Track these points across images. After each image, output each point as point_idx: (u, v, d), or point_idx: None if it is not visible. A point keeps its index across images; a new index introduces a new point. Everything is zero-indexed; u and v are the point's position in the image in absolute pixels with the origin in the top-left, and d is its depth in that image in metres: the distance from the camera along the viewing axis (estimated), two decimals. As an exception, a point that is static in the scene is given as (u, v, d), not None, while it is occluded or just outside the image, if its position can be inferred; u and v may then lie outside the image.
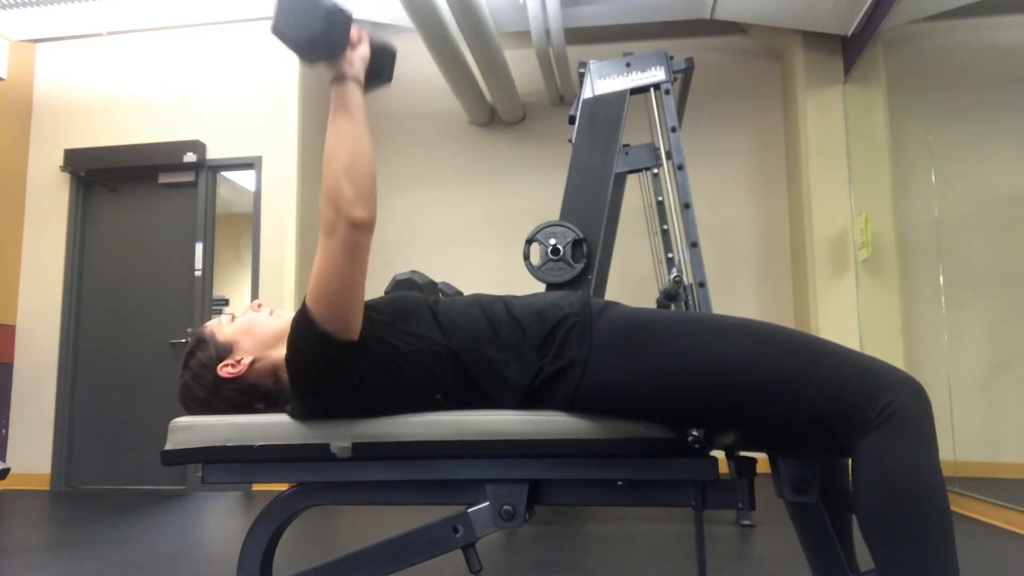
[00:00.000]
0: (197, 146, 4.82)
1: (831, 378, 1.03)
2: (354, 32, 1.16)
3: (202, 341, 1.30)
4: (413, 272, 1.50)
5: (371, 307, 1.21)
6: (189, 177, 4.94)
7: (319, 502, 1.20)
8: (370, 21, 4.89)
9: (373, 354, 1.15)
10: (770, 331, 1.10)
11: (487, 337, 1.16)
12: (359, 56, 1.16)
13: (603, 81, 3.13)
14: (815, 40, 4.58)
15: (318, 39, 1.10)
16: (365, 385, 1.15)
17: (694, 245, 2.98)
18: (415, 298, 1.24)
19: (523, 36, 4.77)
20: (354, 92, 1.13)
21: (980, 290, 3.42)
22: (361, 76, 1.15)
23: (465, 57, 4.57)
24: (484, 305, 1.21)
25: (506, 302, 1.22)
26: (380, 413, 1.17)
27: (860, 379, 1.02)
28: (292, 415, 1.19)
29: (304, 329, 1.11)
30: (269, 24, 1.12)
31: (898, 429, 0.98)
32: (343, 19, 1.11)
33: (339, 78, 1.13)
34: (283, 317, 1.35)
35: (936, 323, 3.59)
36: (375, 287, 1.49)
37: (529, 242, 2.90)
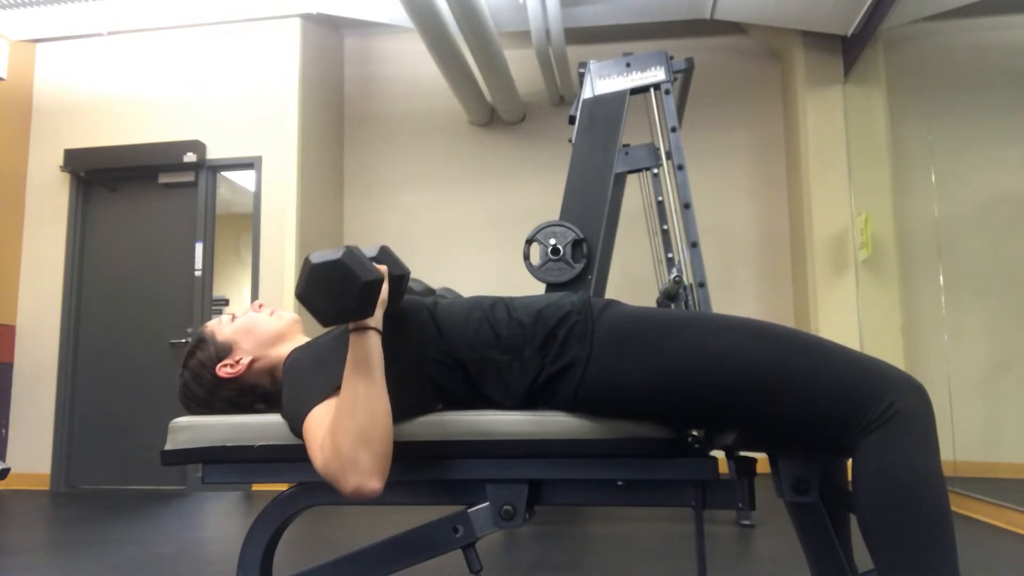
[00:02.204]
0: (197, 146, 4.82)
1: (832, 378, 1.03)
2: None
3: (202, 341, 1.30)
4: (411, 280, 1.50)
5: None
6: (189, 177, 4.94)
7: (319, 502, 1.19)
8: (369, 22, 4.89)
9: None
10: (771, 331, 1.09)
11: (488, 340, 1.16)
12: (381, 306, 1.10)
13: (603, 81, 3.12)
14: (815, 40, 4.58)
15: (349, 313, 1.05)
16: None
17: (694, 245, 2.98)
18: (414, 303, 1.23)
19: (523, 36, 4.77)
20: (374, 344, 1.07)
21: (980, 290, 3.42)
22: (381, 324, 1.10)
23: (465, 57, 4.57)
24: (484, 307, 1.21)
25: (507, 303, 1.22)
26: None
27: (862, 379, 1.02)
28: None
29: (297, 429, 1.11)
30: (296, 289, 1.04)
31: (899, 429, 0.98)
32: (376, 288, 1.05)
33: (360, 336, 1.07)
34: (283, 317, 1.34)
35: (936, 323, 3.59)
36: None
37: (529, 242, 2.90)
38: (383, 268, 1.10)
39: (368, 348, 1.06)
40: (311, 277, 1.03)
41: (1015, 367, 3.18)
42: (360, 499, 1.01)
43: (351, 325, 1.08)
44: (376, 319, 1.09)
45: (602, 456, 1.13)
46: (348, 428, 1.00)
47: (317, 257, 1.03)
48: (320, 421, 1.06)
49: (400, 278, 1.16)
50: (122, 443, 4.77)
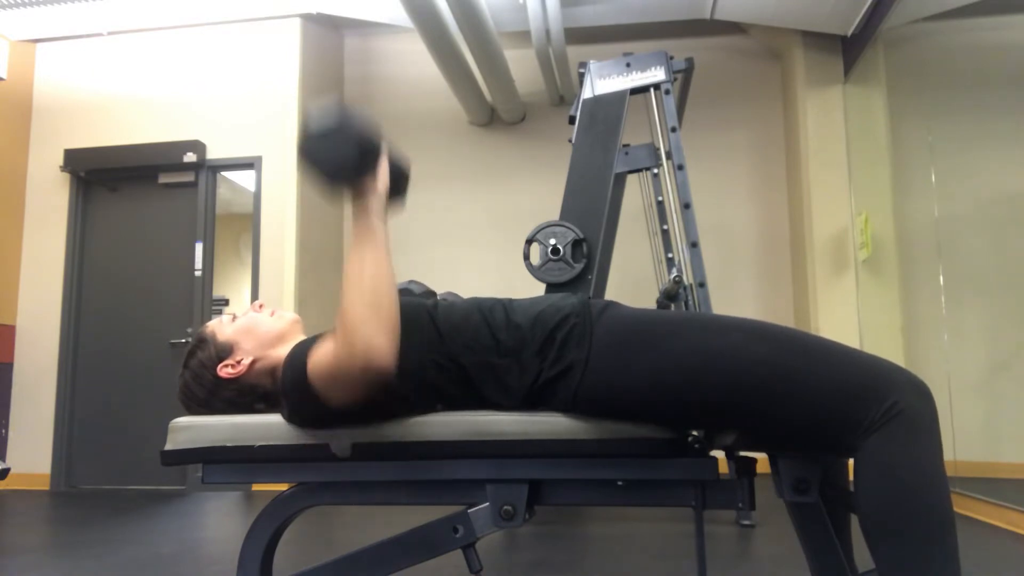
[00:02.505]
0: (197, 146, 4.82)
1: (834, 378, 1.02)
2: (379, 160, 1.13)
3: (203, 341, 1.30)
4: (411, 281, 1.50)
5: None
6: (189, 177, 4.94)
7: (319, 502, 1.19)
8: (369, 22, 4.89)
9: None
10: (772, 331, 1.09)
11: (487, 343, 1.16)
12: (382, 185, 1.13)
13: (603, 81, 3.12)
14: (815, 40, 4.58)
15: (349, 171, 1.06)
16: (365, 407, 1.14)
17: (694, 245, 2.98)
18: (414, 304, 1.23)
19: (523, 36, 4.77)
20: (378, 221, 1.10)
21: (980, 290, 3.42)
22: (384, 207, 1.13)
23: (465, 57, 4.57)
24: (484, 310, 1.21)
25: (506, 306, 1.22)
26: (378, 422, 1.17)
27: (864, 379, 1.02)
28: (289, 422, 1.19)
29: (303, 395, 1.11)
30: (298, 148, 1.07)
31: (902, 429, 0.98)
32: (375, 149, 1.08)
33: (363, 209, 1.10)
34: (284, 318, 1.35)
35: (936, 323, 3.59)
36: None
37: (529, 242, 2.90)
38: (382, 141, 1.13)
39: (371, 222, 1.09)
40: (311, 130, 1.05)
41: (1015, 367, 3.18)
42: (372, 367, 1.01)
43: (353, 200, 1.10)
44: (378, 195, 1.11)
45: (602, 456, 1.13)
46: (355, 297, 1.03)
47: (317, 110, 1.06)
48: (322, 345, 1.08)
49: (400, 171, 1.18)
50: (122, 443, 4.77)
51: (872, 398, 1.00)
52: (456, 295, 1.52)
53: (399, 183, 1.18)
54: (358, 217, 1.10)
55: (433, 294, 1.54)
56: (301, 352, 1.13)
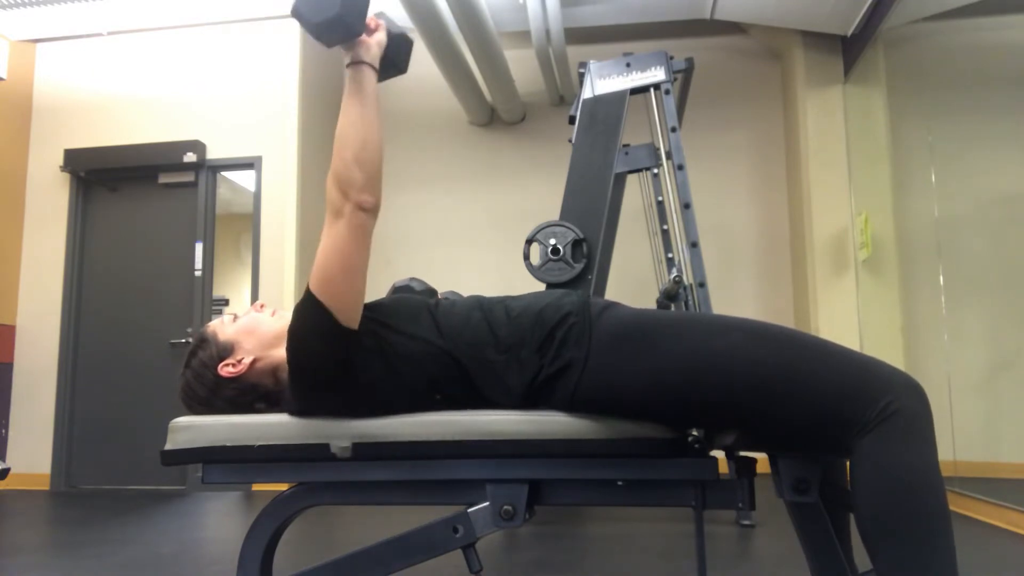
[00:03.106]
0: (197, 146, 4.82)
1: (831, 378, 1.03)
2: (371, 19, 1.17)
3: (204, 340, 1.31)
4: (412, 279, 1.50)
5: (371, 308, 1.21)
6: (189, 177, 4.94)
7: (319, 502, 1.19)
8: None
9: (372, 353, 1.15)
10: (770, 331, 1.09)
11: (486, 340, 1.16)
12: (375, 41, 1.18)
13: (603, 81, 3.12)
14: (815, 40, 4.58)
15: (335, 21, 1.11)
16: (363, 385, 1.15)
17: (694, 245, 2.98)
18: (415, 300, 1.24)
19: (523, 36, 4.77)
20: (369, 77, 1.15)
21: (980, 290, 3.42)
22: (377, 62, 1.17)
23: (465, 57, 4.57)
24: (484, 307, 1.21)
25: (506, 304, 1.22)
26: (379, 413, 1.17)
27: (859, 379, 1.02)
28: (289, 411, 1.19)
29: (307, 308, 1.12)
30: (290, 7, 1.13)
31: (897, 429, 0.98)
32: (359, 4, 1.13)
33: (355, 62, 1.15)
34: (285, 317, 1.35)
35: (936, 323, 3.59)
36: (375, 287, 1.49)
37: (529, 242, 2.90)
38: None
39: (362, 79, 1.14)
40: None
41: (1015, 367, 3.18)
42: (362, 218, 1.10)
43: (346, 58, 1.15)
44: (371, 55, 1.16)
45: (602, 456, 1.13)
46: (344, 155, 1.11)
47: None
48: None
49: (401, 40, 1.23)
50: (122, 443, 4.77)
51: (867, 398, 1.00)
52: (457, 294, 1.52)
53: (400, 49, 1.23)
54: (350, 70, 1.15)
55: (434, 292, 1.54)
56: (306, 290, 1.17)
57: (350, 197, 1.09)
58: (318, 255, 1.12)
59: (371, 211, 1.11)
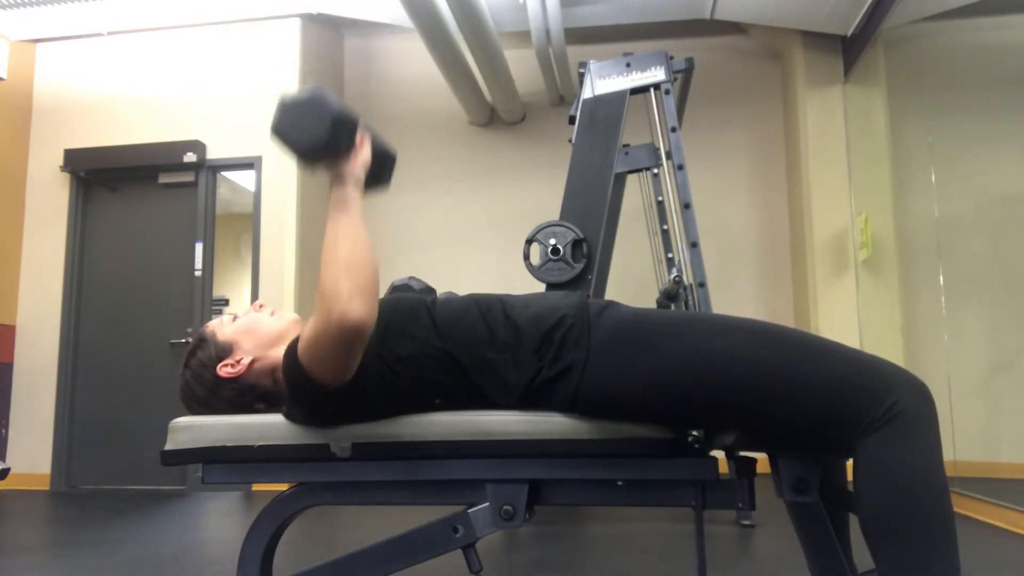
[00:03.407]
0: (197, 146, 4.82)
1: (834, 378, 1.02)
2: (358, 137, 1.14)
3: (203, 341, 1.31)
4: (410, 278, 1.50)
5: None
6: (189, 177, 4.94)
7: (319, 502, 1.19)
8: (370, 22, 4.89)
9: (371, 363, 1.14)
10: (772, 331, 1.09)
11: (484, 338, 1.16)
12: (361, 160, 1.14)
13: (603, 81, 3.12)
14: (815, 40, 4.58)
15: (322, 145, 1.06)
16: (362, 397, 1.14)
17: (694, 245, 2.98)
18: (412, 299, 1.24)
19: (523, 36, 4.77)
20: (354, 195, 1.11)
21: (980, 290, 3.42)
22: (362, 180, 1.13)
23: (465, 57, 4.57)
24: (481, 305, 1.21)
25: (504, 303, 1.22)
26: (379, 418, 1.17)
27: (863, 379, 1.01)
28: (289, 418, 1.19)
29: (297, 378, 1.12)
30: (271, 124, 1.08)
31: (901, 429, 0.98)
32: (349, 124, 1.08)
33: (339, 180, 1.11)
34: (284, 317, 1.35)
35: (936, 323, 3.59)
36: (375, 287, 1.48)
37: (529, 242, 2.90)
38: (358, 118, 1.14)
39: (347, 197, 1.10)
40: (285, 110, 1.07)
41: (1015, 367, 3.18)
42: (346, 329, 1.02)
43: (330, 177, 1.11)
44: (356, 175, 1.12)
45: (602, 456, 1.13)
46: (332, 264, 1.04)
47: (291, 92, 1.09)
48: (308, 325, 1.09)
49: (385, 155, 1.19)
50: (122, 443, 4.77)
51: (871, 398, 1.00)
52: (454, 294, 1.52)
53: (384, 165, 1.19)
54: (333, 187, 1.11)
55: (432, 291, 1.54)
56: (295, 339, 1.15)
57: (336, 311, 1.01)
58: (307, 338, 1.07)
59: (359, 326, 1.02)
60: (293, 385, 1.14)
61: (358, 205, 1.11)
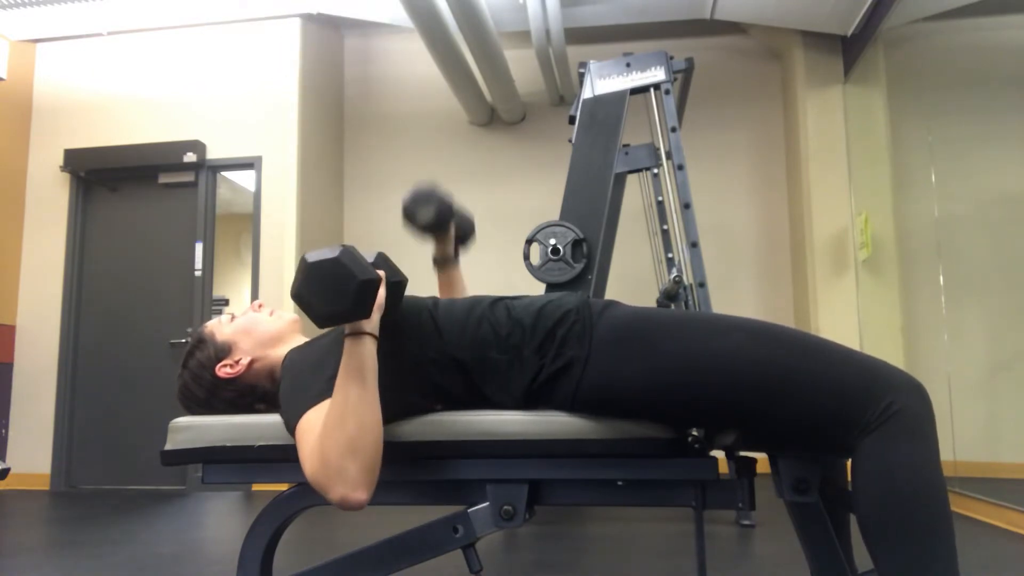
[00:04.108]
0: (197, 146, 4.82)
1: (832, 378, 1.03)
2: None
3: (201, 341, 1.30)
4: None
5: None
6: (189, 177, 4.94)
7: (319, 502, 1.19)
8: (369, 22, 4.89)
9: None
10: (771, 331, 1.09)
11: (489, 339, 1.16)
12: (377, 310, 1.08)
13: (603, 81, 3.12)
14: (815, 40, 4.58)
15: (345, 313, 1.03)
16: None
17: (694, 245, 2.98)
18: (413, 302, 1.23)
19: (523, 36, 4.77)
20: (369, 350, 1.06)
21: (980, 290, 3.42)
22: (377, 330, 1.09)
23: (465, 57, 4.57)
24: (484, 307, 1.21)
25: (506, 303, 1.22)
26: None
27: (861, 379, 1.02)
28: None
29: (288, 427, 1.11)
30: (292, 287, 1.03)
31: (899, 430, 0.98)
32: (372, 289, 1.03)
33: (356, 337, 1.06)
34: (283, 318, 1.34)
35: (936, 323, 3.59)
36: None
37: (529, 242, 2.90)
38: (380, 273, 1.08)
39: (362, 355, 1.04)
40: (307, 275, 1.01)
41: (1015, 367, 3.18)
42: (347, 509, 1.00)
43: (347, 329, 1.06)
44: (372, 324, 1.07)
45: (602, 456, 1.13)
46: (337, 438, 0.99)
47: (313, 256, 1.02)
48: (312, 426, 1.04)
49: (397, 284, 1.14)
50: (122, 443, 4.77)
51: (869, 398, 1.00)
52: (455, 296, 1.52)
53: (395, 295, 1.14)
54: (350, 344, 1.05)
55: (472, 223, 1.57)
56: (295, 401, 1.10)
57: (336, 490, 0.98)
58: (307, 446, 1.03)
59: (359, 507, 1.00)
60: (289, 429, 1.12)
61: (372, 366, 1.05)
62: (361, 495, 0.99)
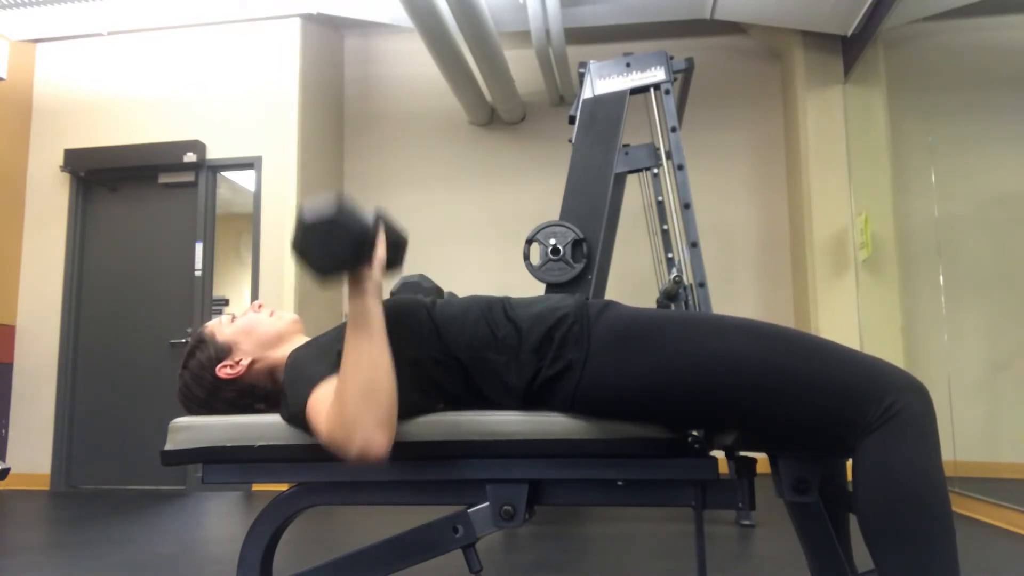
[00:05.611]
0: (197, 146, 4.82)
1: (833, 378, 1.02)
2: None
3: (202, 341, 1.30)
4: (421, 276, 1.49)
5: None
6: (189, 177, 4.94)
7: (319, 502, 1.19)
8: (369, 22, 4.89)
9: None
10: (771, 331, 1.09)
11: (486, 340, 1.16)
12: (378, 263, 1.09)
13: (603, 81, 3.12)
14: (815, 40, 4.58)
15: (345, 267, 1.04)
16: None
17: (694, 245, 2.98)
18: (412, 302, 1.23)
19: (523, 36, 4.77)
20: (374, 307, 1.07)
21: (980, 290, 3.42)
22: (381, 286, 1.10)
23: (465, 57, 4.57)
24: (482, 307, 1.21)
25: (504, 304, 1.22)
26: None
27: (862, 379, 1.02)
28: (289, 423, 1.18)
29: (296, 419, 1.12)
30: (292, 241, 1.03)
31: (900, 430, 0.98)
32: (369, 237, 1.05)
33: (359, 291, 1.07)
34: (283, 318, 1.34)
35: (936, 323, 3.59)
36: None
37: (529, 242, 2.90)
38: (379, 226, 1.10)
39: (367, 309, 1.07)
40: (305, 227, 1.02)
41: (1015, 367, 3.18)
42: (367, 459, 1.01)
43: (349, 285, 1.08)
44: (375, 281, 1.09)
45: (602, 456, 1.13)
46: (350, 391, 1.01)
47: (311, 206, 1.03)
48: (323, 398, 1.07)
49: (398, 243, 1.15)
50: (122, 443, 4.77)
51: (870, 398, 1.00)
52: (454, 295, 1.52)
53: (396, 253, 1.15)
54: (354, 302, 1.07)
55: (440, 290, 1.54)
56: (303, 383, 1.12)
57: (355, 440, 1.00)
58: (325, 425, 1.04)
59: (379, 455, 1.01)
60: (292, 419, 1.13)
61: (378, 320, 1.07)
62: (380, 440, 1.00)
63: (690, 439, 1.12)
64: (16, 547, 2.86)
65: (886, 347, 4.10)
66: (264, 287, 4.73)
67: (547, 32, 4.51)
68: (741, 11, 4.43)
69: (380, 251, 1.10)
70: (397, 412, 1.04)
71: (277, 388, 1.27)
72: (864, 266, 4.32)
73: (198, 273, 4.84)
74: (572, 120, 3.15)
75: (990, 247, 3.34)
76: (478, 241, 5.27)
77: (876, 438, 0.99)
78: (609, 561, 2.34)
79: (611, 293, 3.14)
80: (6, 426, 4.85)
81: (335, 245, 1.02)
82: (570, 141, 3.12)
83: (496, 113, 5.35)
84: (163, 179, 4.97)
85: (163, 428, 1.24)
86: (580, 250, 2.86)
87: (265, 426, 1.19)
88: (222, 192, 5.35)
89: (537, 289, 2.79)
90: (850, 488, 1.04)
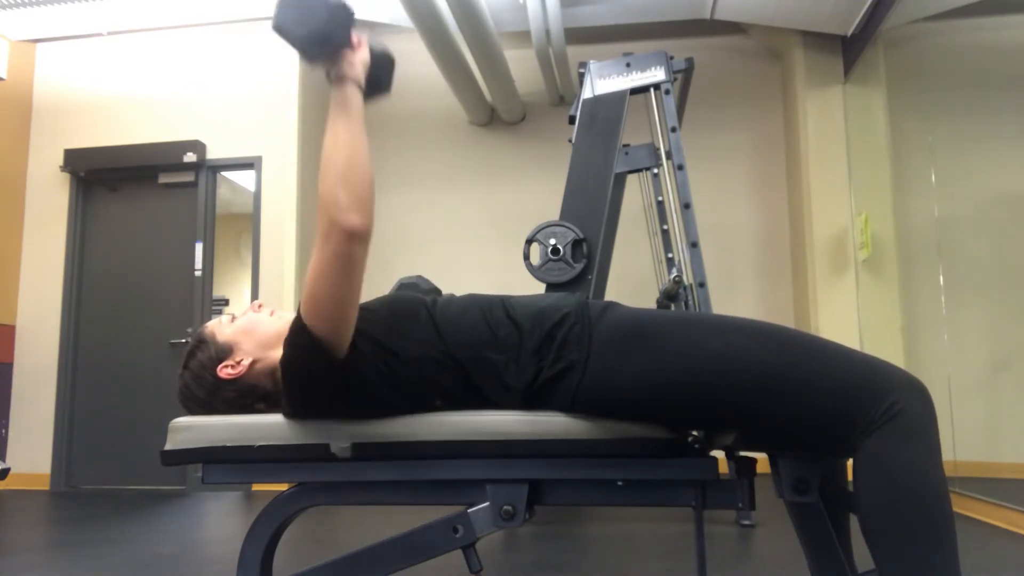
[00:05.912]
0: (197, 146, 4.82)
1: (833, 378, 1.02)
2: (355, 36, 1.16)
3: (202, 342, 1.30)
4: (419, 277, 1.49)
5: (367, 309, 1.19)
6: (189, 177, 4.94)
7: (319, 502, 1.19)
8: (369, 22, 4.89)
9: (369, 359, 1.13)
10: (771, 331, 1.09)
11: (486, 339, 1.16)
12: (360, 59, 1.15)
13: (603, 81, 3.12)
14: (815, 40, 4.58)
15: (320, 35, 1.10)
16: (361, 390, 1.13)
17: (694, 245, 2.98)
18: (412, 299, 1.23)
19: (523, 36, 4.77)
20: (354, 94, 1.13)
21: (980, 290, 3.42)
22: (362, 79, 1.15)
23: (465, 57, 4.57)
24: (482, 306, 1.21)
25: (505, 303, 1.22)
26: (377, 417, 1.16)
27: (863, 379, 1.02)
28: (285, 414, 1.19)
29: (298, 338, 1.10)
30: (271, 21, 1.12)
31: (901, 430, 0.98)
32: (345, 16, 1.11)
33: (339, 79, 1.13)
34: (284, 318, 1.34)
35: (936, 323, 3.59)
36: (376, 289, 1.49)
37: (529, 242, 2.90)
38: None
39: (347, 96, 1.11)
40: (283, 2, 1.10)
41: (1015, 367, 3.18)
42: (348, 244, 1.04)
43: (331, 72, 1.12)
44: (356, 72, 1.13)
45: (602, 456, 1.13)
46: (329, 171, 1.07)
47: None
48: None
49: (384, 57, 1.21)
50: (122, 443, 4.77)
51: (871, 398, 1.00)
52: (454, 295, 1.52)
53: (384, 68, 1.21)
54: (334, 87, 1.13)
55: (438, 291, 1.53)
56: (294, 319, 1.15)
57: (336, 221, 1.04)
58: (307, 279, 1.09)
59: (359, 237, 1.05)
60: (293, 350, 1.12)
61: (357, 107, 1.12)
62: (355, 218, 1.04)
63: (690, 439, 1.12)
64: (16, 547, 2.86)
65: (886, 347, 4.10)
66: (264, 287, 4.73)
67: (547, 32, 4.51)
68: (741, 11, 4.43)
69: (363, 52, 1.16)
70: (374, 199, 1.09)
71: (277, 388, 1.27)
72: (864, 266, 4.32)
73: (198, 273, 4.84)
74: (572, 120, 3.15)
75: (990, 247, 3.34)
76: (478, 241, 5.27)
77: (876, 438, 0.99)
78: (609, 561, 2.34)
79: (611, 293, 3.14)
80: (6, 426, 4.85)
81: (311, 16, 1.09)
82: (570, 141, 3.12)
83: (496, 113, 5.35)
84: (163, 179, 4.97)
85: (163, 428, 1.24)
86: (580, 250, 2.86)
87: (265, 426, 1.19)
88: (222, 192, 5.35)
89: (537, 289, 2.79)
90: (850, 488, 1.04)
